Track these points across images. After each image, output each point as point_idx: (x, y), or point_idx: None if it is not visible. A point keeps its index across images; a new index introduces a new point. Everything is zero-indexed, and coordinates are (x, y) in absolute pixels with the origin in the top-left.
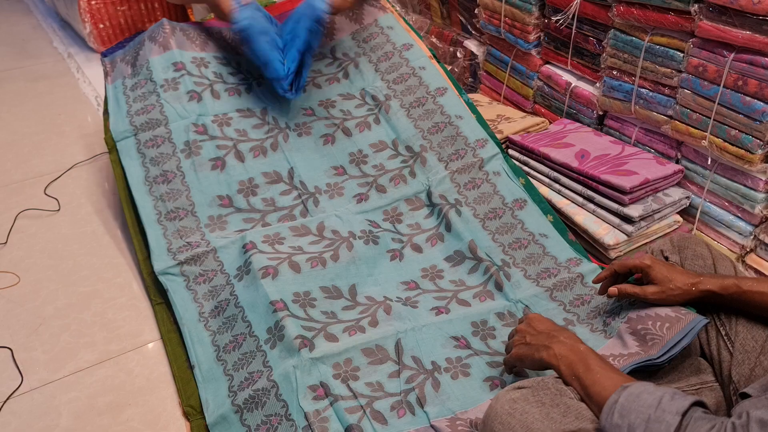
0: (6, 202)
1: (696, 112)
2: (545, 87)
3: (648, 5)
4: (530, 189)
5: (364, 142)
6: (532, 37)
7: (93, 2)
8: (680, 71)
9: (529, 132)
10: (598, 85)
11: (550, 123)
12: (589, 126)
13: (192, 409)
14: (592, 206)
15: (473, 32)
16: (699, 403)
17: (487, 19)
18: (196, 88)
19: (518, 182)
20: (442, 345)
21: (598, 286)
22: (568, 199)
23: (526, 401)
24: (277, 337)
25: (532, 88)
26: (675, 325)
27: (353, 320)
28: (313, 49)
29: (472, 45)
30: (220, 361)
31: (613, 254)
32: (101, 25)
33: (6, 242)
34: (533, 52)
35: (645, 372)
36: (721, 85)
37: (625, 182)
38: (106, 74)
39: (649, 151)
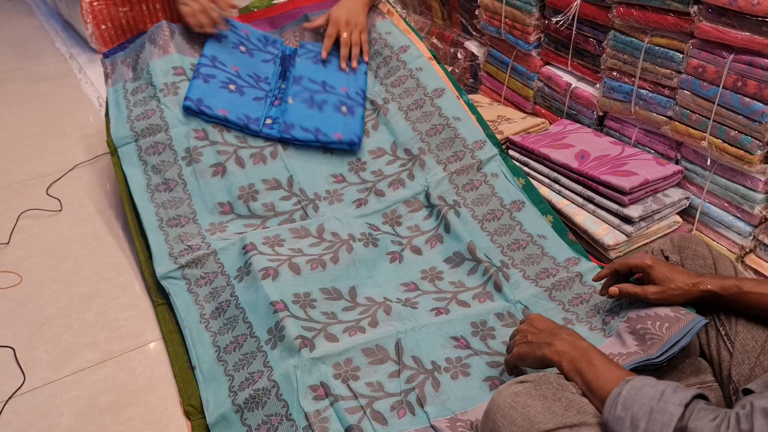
0: (8, 202)
1: (695, 113)
2: (545, 88)
3: (647, 6)
4: (530, 190)
5: (363, 150)
6: (532, 38)
7: (95, 3)
8: (680, 72)
9: (529, 133)
10: (598, 86)
11: (551, 124)
12: (589, 127)
13: (193, 408)
14: (592, 207)
15: (474, 33)
16: (701, 396)
17: (487, 20)
18: None
19: (517, 183)
20: (441, 345)
21: (598, 284)
22: (568, 199)
23: (529, 395)
24: (277, 337)
25: (532, 89)
26: (674, 325)
27: (353, 321)
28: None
29: (472, 46)
30: (221, 361)
31: (612, 255)
32: (103, 26)
33: (8, 242)
34: (533, 53)
35: (644, 372)
36: (721, 86)
37: (625, 183)
38: (106, 76)
39: (649, 152)
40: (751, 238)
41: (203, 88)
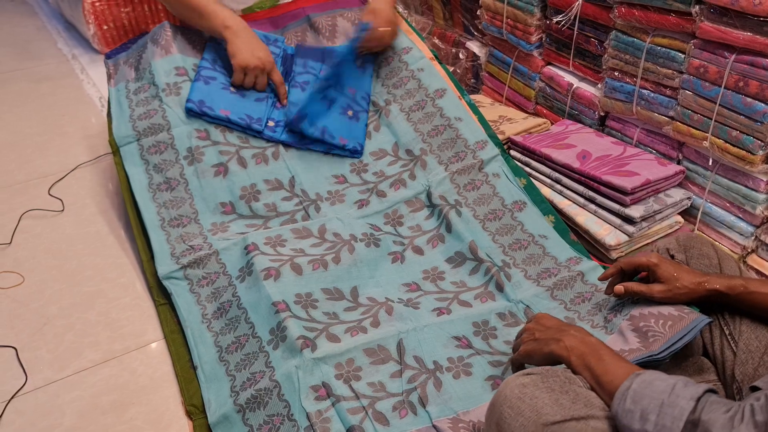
0: (10, 202)
1: (697, 113)
2: (547, 88)
3: (649, 6)
4: (531, 190)
5: (365, 151)
6: (533, 38)
7: (97, 4)
8: (681, 72)
9: (530, 133)
10: (599, 86)
11: (552, 124)
12: (590, 127)
13: (195, 408)
14: (593, 207)
15: (475, 33)
16: (712, 391)
17: (489, 20)
18: None
19: (519, 183)
20: (443, 345)
21: (600, 283)
22: (569, 199)
23: (536, 386)
24: (279, 337)
25: (533, 89)
26: (677, 323)
27: (355, 321)
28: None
29: (474, 46)
30: (223, 361)
31: (614, 255)
32: (105, 27)
33: (10, 242)
34: (535, 53)
35: (647, 368)
36: (722, 86)
37: (627, 183)
38: (109, 76)
39: (651, 152)
40: (753, 238)
41: (204, 90)
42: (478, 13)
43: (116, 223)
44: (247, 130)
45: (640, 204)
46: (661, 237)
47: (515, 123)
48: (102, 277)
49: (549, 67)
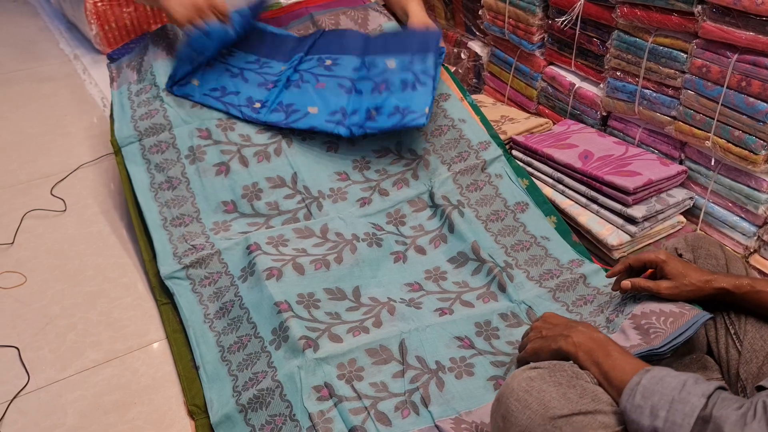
0: (12, 202)
1: (699, 113)
2: (549, 88)
3: (651, 6)
4: (533, 191)
5: (368, 149)
6: (535, 38)
7: (99, 4)
8: (684, 72)
9: (532, 133)
10: (601, 86)
11: (554, 124)
12: (592, 127)
13: (197, 408)
14: (595, 207)
15: (477, 33)
16: (722, 388)
17: (491, 20)
18: None
19: (521, 184)
20: (445, 345)
21: (601, 286)
22: (571, 199)
23: (543, 380)
24: (281, 337)
25: (536, 89)
26: (678, 320)
27: (357, 321)
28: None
29: (476, 46)
30: (225, 361)
31: (616, 255)
32: (107, 27)
33: (13, 242)
34: (537, 53)
35: (648, 363)
36: (725, 86)
37: (629, 183)
38: (111, 80)
39: (653, 152)
40: (756, 238)
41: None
42: (480, 13)
43: (118, 223)
44: (230, 107)
45: (643, 204)
46: (663, 237)
47: (517, 123)
48: (104, 277)
49: (551, 67)
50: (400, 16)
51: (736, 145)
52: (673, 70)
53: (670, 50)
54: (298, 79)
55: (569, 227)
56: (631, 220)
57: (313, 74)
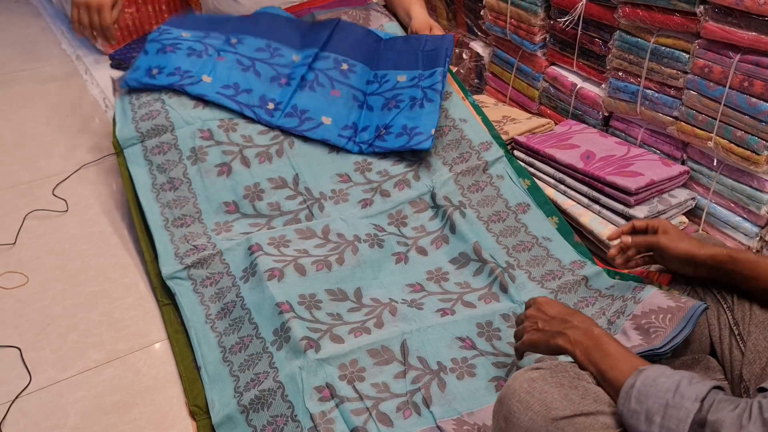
0: (14, 202)
1: (702, 114)
2: (551, 88)
3: (653, 6)
4: (535, 191)
5: (369, 149)
6: (537, 38)
7: None
8: (686, 72)
9: (534, 133)
10: (603, 86)
11: (556, 124)
12: (594, 127)
13: (198, 408)
14: (597, 207)
15: (479, 33)
16: (718, 388)
17: (492, 20)
18: None
19: (522, 185)
20: (447, 346)
21: (603, 288)
22: (573, 200)
23: (545, 381)
24: (283, 338)
25: (537, 90)
26: (676, 315)
27: (359, 322)
28: None
29: (477, 46)
30: (227, 362)
31: None
32: None
33: (14, 243)
34: (539, 53)
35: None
36: (727, 86)
37: (631, 183)
38: (114, 90)
39: (655, 153)
40: (758, 239)
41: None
42: (482, 13)
43: (120, 224)
44: (244, 108)
45: (645, 204)
46: None
47: (519, 123)
48: (106, 278)
49: (553, 67)
50: (402, 18)
51: (738, 146)
52: (675, 71)
53: (672, 50)
54: (313, 80)
55: (571, 228)
56: (633, 220)
57: (328, 77)
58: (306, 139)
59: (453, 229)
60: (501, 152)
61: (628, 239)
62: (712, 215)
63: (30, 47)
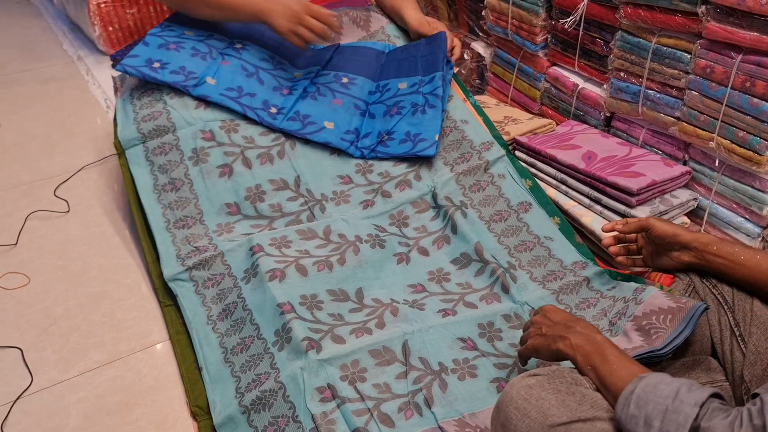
0: (16, 203)
1: (703, 114)
2: (552, 89)
3: (655, 7)
4: (536, 191)
5: None
6: (539, 38)
7: (102, 5)
8: (687, 73)
9: (536, 133)
10: (605, 86)
11: (557, 124)
12: (596, 127)
13: (200, 409)
14: (599, 208)
15: (480, 34)
16: (716, 395)
17: (494, 20)
18: None
19: (524, 184)
20: (449, 346)
21: (605, 289)
22: (574, 200)
23: (542, 388)
24: (284, 339)
25: (539, 90)
26: (677, 316)
27: (360, 322)
28: None
29: (479, 47)
30: (228, 363)
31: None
32: (110, 28)
33: (16, 243)
34: (540, 53)
35: (651, 365)
36: (729, 86)
37: (633, 184)
38: (115, 90)
39: (657, 153)
40: (760, 239)
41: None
42: (483, 13)
43: (121, 224)
44: (247, 110)
45: (646, 205)
46: None
47: (520, 124)
48: (107, 278)
49: (554, 67)
50: (395, 20)
51: (740, 146)
52: (676, 71)
53: (674, 51)
54: (314, 91)
55: (573, 228)
56: None
57: (330, 89)
58: (307, 141)
59: (454, 229)
60: (502, 152)
61: (624, 221)
62: (713, 216)
63: (31, 48)
